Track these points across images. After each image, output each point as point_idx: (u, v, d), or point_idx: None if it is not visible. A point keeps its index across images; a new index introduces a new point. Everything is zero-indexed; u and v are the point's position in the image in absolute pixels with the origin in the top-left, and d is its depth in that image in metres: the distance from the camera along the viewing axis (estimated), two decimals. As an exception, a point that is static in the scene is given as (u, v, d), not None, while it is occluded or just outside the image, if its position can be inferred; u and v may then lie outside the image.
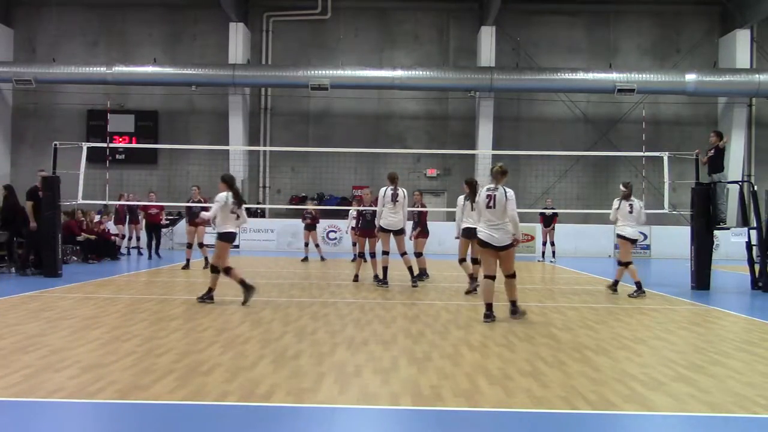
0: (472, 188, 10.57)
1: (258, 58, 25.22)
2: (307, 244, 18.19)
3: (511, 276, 8.31)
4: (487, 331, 7.51)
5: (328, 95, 24.17)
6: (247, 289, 9.11)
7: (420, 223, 13.41)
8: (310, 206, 18.92)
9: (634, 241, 11.39)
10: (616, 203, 11.31)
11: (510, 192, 8.12)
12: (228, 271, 9.28)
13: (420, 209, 13.55)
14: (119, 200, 18.47)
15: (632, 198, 11.22)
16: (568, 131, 25.01)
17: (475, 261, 10.83)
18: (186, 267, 14.84)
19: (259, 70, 24.09)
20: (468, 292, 10.87)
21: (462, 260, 11.21)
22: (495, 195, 8.07)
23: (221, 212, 9.33)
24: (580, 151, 23.50)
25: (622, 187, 11.33)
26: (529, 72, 23.64)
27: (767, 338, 7.45)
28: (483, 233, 8.15)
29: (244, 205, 9.71)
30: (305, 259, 17.87)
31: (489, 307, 8.15)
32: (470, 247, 10.87)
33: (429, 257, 14.19)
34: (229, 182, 9.55)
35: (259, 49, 25.33)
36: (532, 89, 24.05)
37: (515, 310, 8.36)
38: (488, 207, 8.10)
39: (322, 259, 18.00)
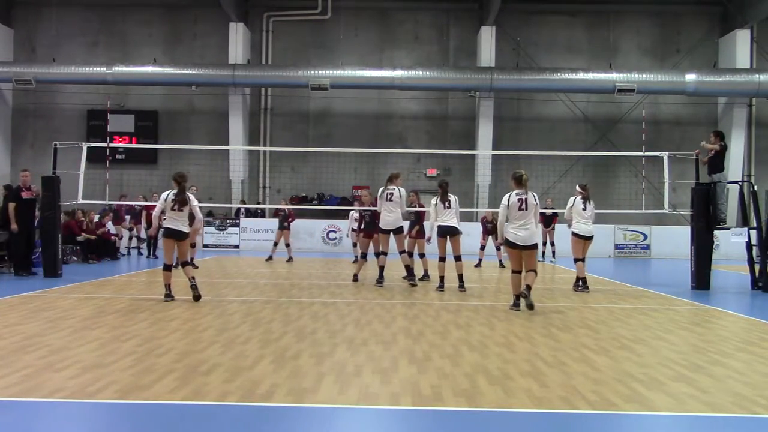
0: (444, 190, 11.39)
1: (258, 58, 25.22)
2: (276, 244, 17.89)
3: (534, 270, 9.08)
4: (487, 331, 7.51)
5: (328, 95, 24.17)
6: (167, 296, 9.42)
7: (418, 222, 13.41)
8: (283, 205, 18.65)
9: (588, 239, 11.69)
10: (570, 201, 11.83)
11: (537, 197, 9.28)
12: (168, 267, 9.53)
13: (417, 209, 13.54)
14: (120, 200, 18.48)
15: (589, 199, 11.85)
16: (568, 131, 25.02)
17: (457, 258, 11.39)
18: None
19: (259, 70, 24.09)
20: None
21: (441, 259, 11.32)
22: (526, 198, 9.05)
23: (166, 209, 9.58)
24: (580, 151, 23.50)
25: (579, 189, 11.97)
26: (529, 72, 23.64)
27: (767, 338, 7.45)
28: (511, 234, 9.06)
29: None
30: (269, 258, 17.43)
31: (517, 297, 9.09)
32: (446, 244, 11.37)
33: (428, 257, 14.21)
34: (176, 180, 9.72)
35: (259, 49, 25.34)
36: (532, 89, 24.06)
37: (527, 295, 8.91)
38: (520, 209, 9.04)
39: (290, 259, 17.53)
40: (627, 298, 10.90)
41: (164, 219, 9.68)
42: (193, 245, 15.17)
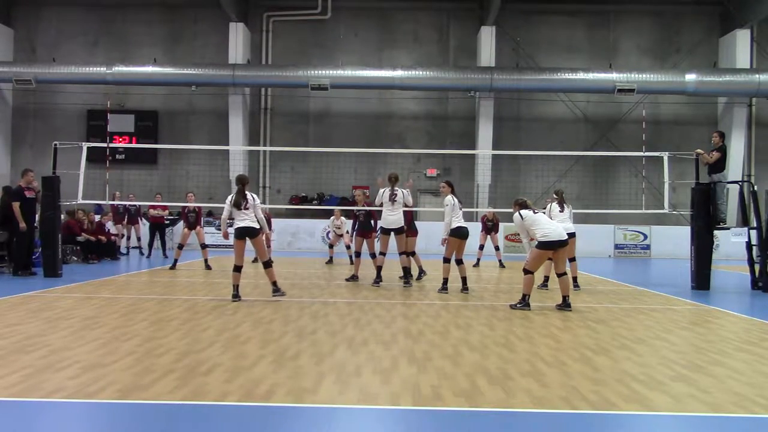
0: (453, 188, 11.32)
1: (258, 58, 25.21)
2: (181, 246, 15.25)
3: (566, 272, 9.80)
4: (487, 331, 7.51)
5: (328, 95, 24.16)
6: (234, 296, 9.59)
7: (406, 221, 13.33)
8: (191, 203, 15.92)
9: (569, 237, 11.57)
10: (547, 208, 11.90)
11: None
12: (238, 269, 9.62)
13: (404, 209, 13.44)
14: (113, 199, 18.41)
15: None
16: (568, 131, 25.01)
17: (459, 262, 11.22)
18: (173, 267, 14.82)
19: (259, 70, 24.09)
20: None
21: (446, 260, 11.18)
22: (535, 211, 9.70)
23: (233, 211, 9.73)
24: (580, 151, 23.50)
25: (554, 195, 12.19)
26: (529, 72, 23.64)
27: (767, 338, 7.45)
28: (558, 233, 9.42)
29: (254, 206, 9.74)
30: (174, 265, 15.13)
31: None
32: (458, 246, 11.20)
33: (430, 257, 14.22)
34: (236, 182, 9.97)
35: (259, 49, 25.33)
36: (532, 89, 24.04)
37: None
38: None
39: (207, 263, 15.29)
40: (627, 298, 10.90)
41: (231, 221, 9.82)
42: (203, 246, 15.35)
